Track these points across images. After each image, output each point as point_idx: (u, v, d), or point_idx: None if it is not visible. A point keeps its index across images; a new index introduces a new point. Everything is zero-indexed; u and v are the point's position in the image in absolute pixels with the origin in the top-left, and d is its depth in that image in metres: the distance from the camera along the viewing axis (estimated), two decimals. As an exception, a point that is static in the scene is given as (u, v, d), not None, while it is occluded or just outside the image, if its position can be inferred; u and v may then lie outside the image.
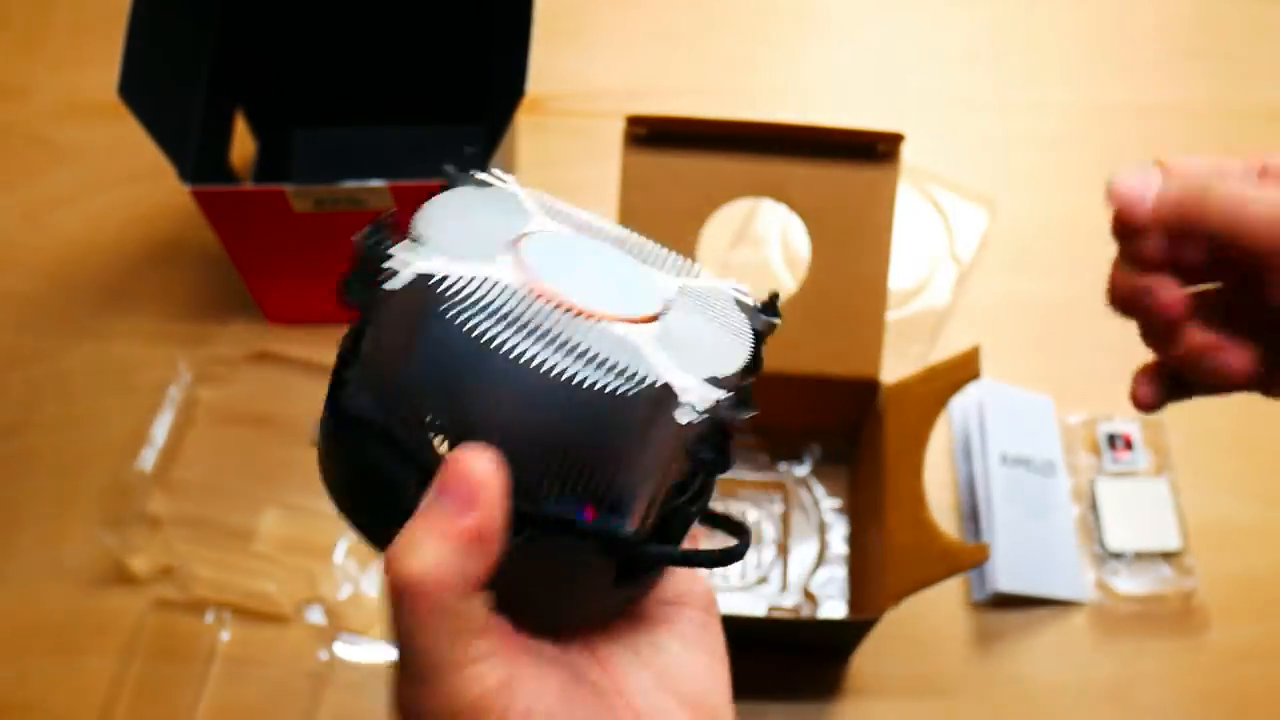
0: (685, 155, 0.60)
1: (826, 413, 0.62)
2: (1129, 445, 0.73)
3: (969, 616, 0.70)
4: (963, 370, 0.57)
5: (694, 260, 0.34)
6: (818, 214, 0.60)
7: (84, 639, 0.69)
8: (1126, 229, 0.43)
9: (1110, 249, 0.84)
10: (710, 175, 0.60)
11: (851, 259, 0.61)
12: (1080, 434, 0.74)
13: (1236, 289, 0.41)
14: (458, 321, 0.29)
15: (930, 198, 0.82)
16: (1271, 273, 0.39)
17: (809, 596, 0.68)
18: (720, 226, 0.79)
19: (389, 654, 0.67)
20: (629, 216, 0.61)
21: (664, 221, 0.61)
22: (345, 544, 0.68)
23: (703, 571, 0.36)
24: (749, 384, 0.32)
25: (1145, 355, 0.78)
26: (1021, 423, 0.73)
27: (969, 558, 0.54)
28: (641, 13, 0.92)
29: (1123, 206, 0.43)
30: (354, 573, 0.70)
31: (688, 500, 0.33)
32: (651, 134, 0.60)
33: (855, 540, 0.69)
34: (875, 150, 0.60)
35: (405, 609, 0.29)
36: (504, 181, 0.35)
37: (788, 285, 0.78)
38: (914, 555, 0.56)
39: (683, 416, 0.29)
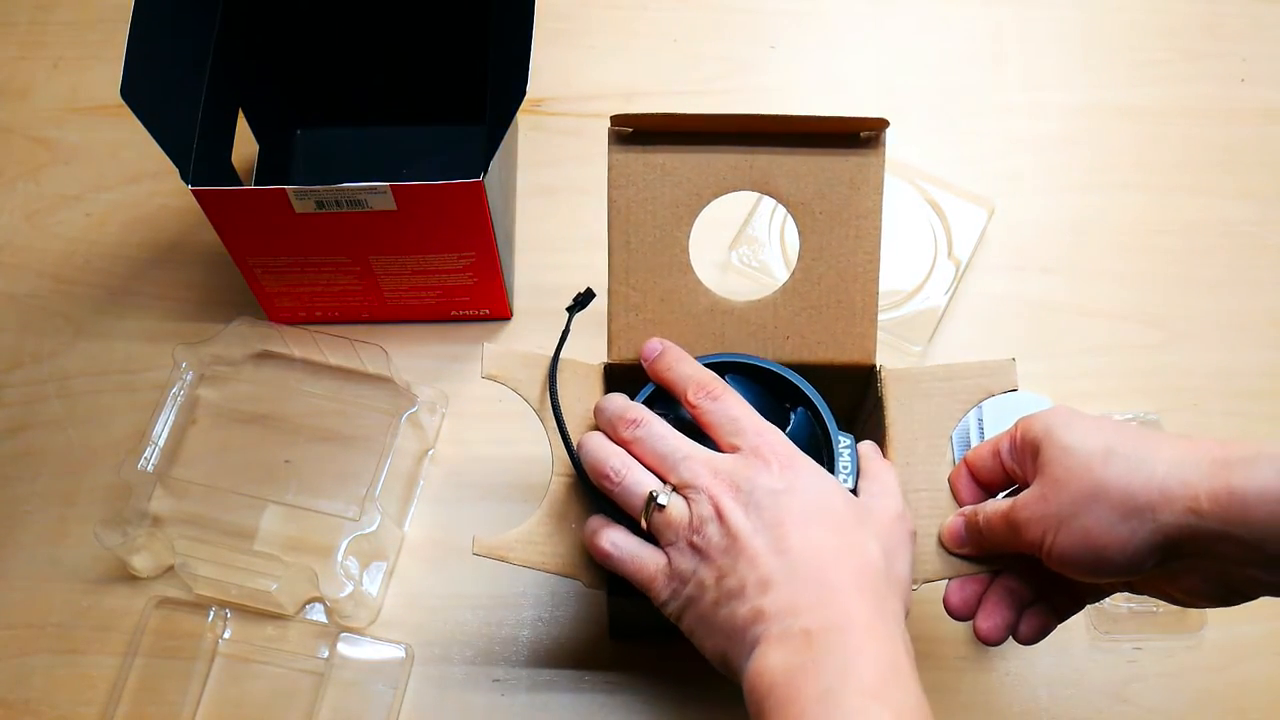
0: (671, 152, 0.61)
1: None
2: (1127, 445, 0.73)
3: (967, 615, 0.70)
4: (997, 379, 0.59)
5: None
6: (805, 203, 0.61)
7: (85, 637, 0.69)
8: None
9: (1107, 249, 0.84)
10: (697, 171, 0.61)
11: (841, 246, 0.61)
12: (1079, 433, 0.74)
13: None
14: None
15: (929, 198, 0.82)
16: (1045, 552, 0.52)
17: None
18: (720, 228, 0.79)
19: (395, 650, 0.68)
20: (618, 215, 0.61)
21: (653, 219, 0.61)
22: (346, 543, 0.69)
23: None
24: None
25: (1142, 357, 0.79)
26: (1020, 422, 0.73)
27: (965, 563, 0.56)
28: (641, 13, 0.92)
29: (954, 540, 0.58)
30: (354, 571, 0.70)
31: None
32: (637, 132, 0.60)
33: None
34: (859, 137, 0.60)
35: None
36: None
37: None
38: (936, 542, 0.57)
39: None
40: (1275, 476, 0.46)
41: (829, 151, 0.60)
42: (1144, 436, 0.50)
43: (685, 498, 0.53)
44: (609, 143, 0.60)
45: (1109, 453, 0.49)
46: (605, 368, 0.62)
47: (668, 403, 0.58)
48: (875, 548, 0.52)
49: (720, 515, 0.51)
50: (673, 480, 0.53)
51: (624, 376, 0.61)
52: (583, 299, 0.63)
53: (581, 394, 0.61)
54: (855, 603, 0.49)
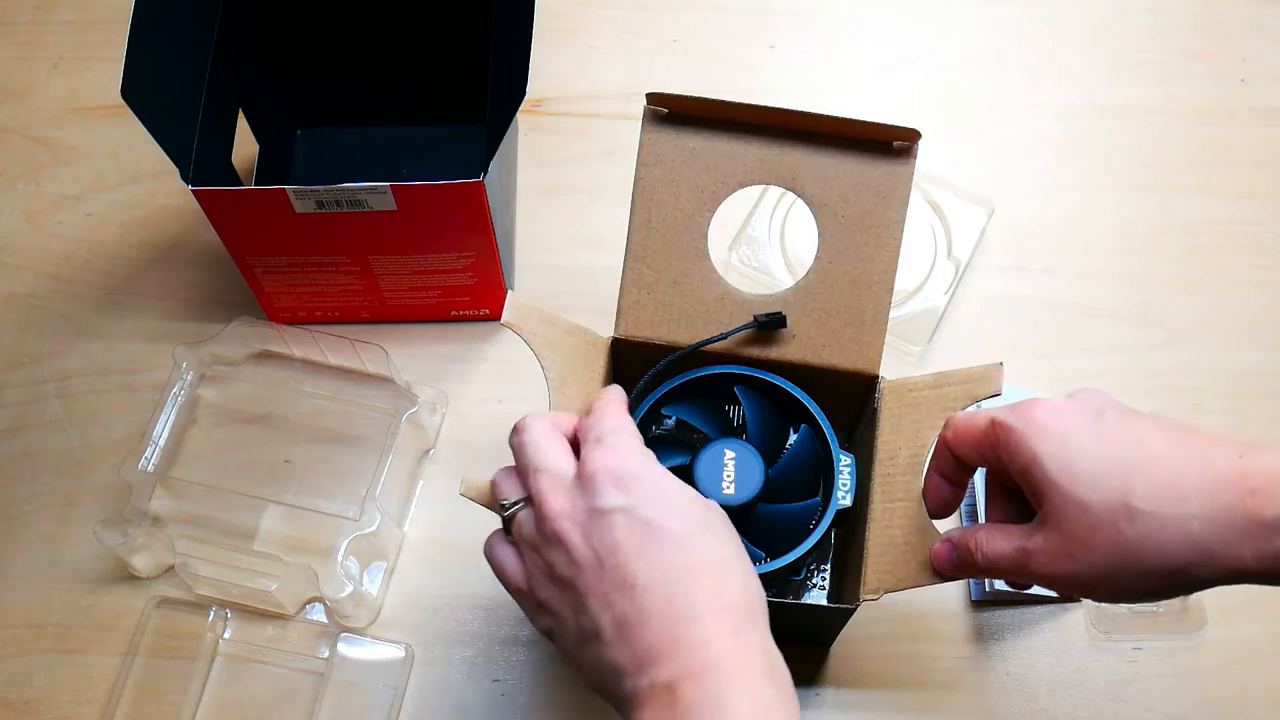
0: (702, 137, 0.61)
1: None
2: (1127, 445, 0.73)
3: (967, 615, 0.70)
4: (981, 384, 0.58)
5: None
6: (829, 205, 0.61)
7: (86, 637, 0.69)
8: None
9: (1107, 249, 0.84)
10: (726, 158, 0.61)
11: (859, 253, 0.61)
12: (1079, 433, 0.74)
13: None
14: None
15: (928, 198, 0.82)
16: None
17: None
18: (720, 228, 0.79)
19: (395, 650, 0.68)
20: (642, 193, 0.61)
21: (676, 201, 0.61)
22: (346, 543, 0.69)
23: None
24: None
25: (1142, 357, 0.79)
26: (1020, 422, 0.73)
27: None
28: (641, 13, 0.92)
29: (946, 565, 0.55)
30: (354, 571, 0.70)
31: None
32: (672, 114, 0.60)
33: (842, 533, 0.69)
34: (891, 146, 0.60)
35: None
36: None
37: (786, 287, 0.78)
38: (904, 553, 0.56)
39: None
40: None
41: (860, 157, 0.60)
42: (1158, 476, 0.46)
43: (535, 514, 0.50)
44: (643, 120, 0.60)
45: (1131, 511, 0.46)
46: (612, 341, 0.63)
47: (691, 402, 0.59)
48: (728, 550, 0.49)
49: (559, 540, 0.48)
50: (530, 493, 0.51)
51: (629, 352, 0.62)
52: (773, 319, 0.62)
53: (588, 363, 0.61)
54: (714, 634, 0.46)
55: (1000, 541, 0.51)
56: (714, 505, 0.51)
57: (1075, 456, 0.47)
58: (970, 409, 0.55)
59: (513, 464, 0.53)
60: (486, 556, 0.54)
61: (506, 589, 0.53)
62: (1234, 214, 0.83)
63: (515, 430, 0.52)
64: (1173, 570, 0.46)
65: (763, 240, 0.80)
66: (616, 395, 0.55)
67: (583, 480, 0.49)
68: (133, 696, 0.67)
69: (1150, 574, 0.46)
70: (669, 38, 0.91)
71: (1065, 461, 0.47)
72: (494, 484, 0.53)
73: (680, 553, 0.47)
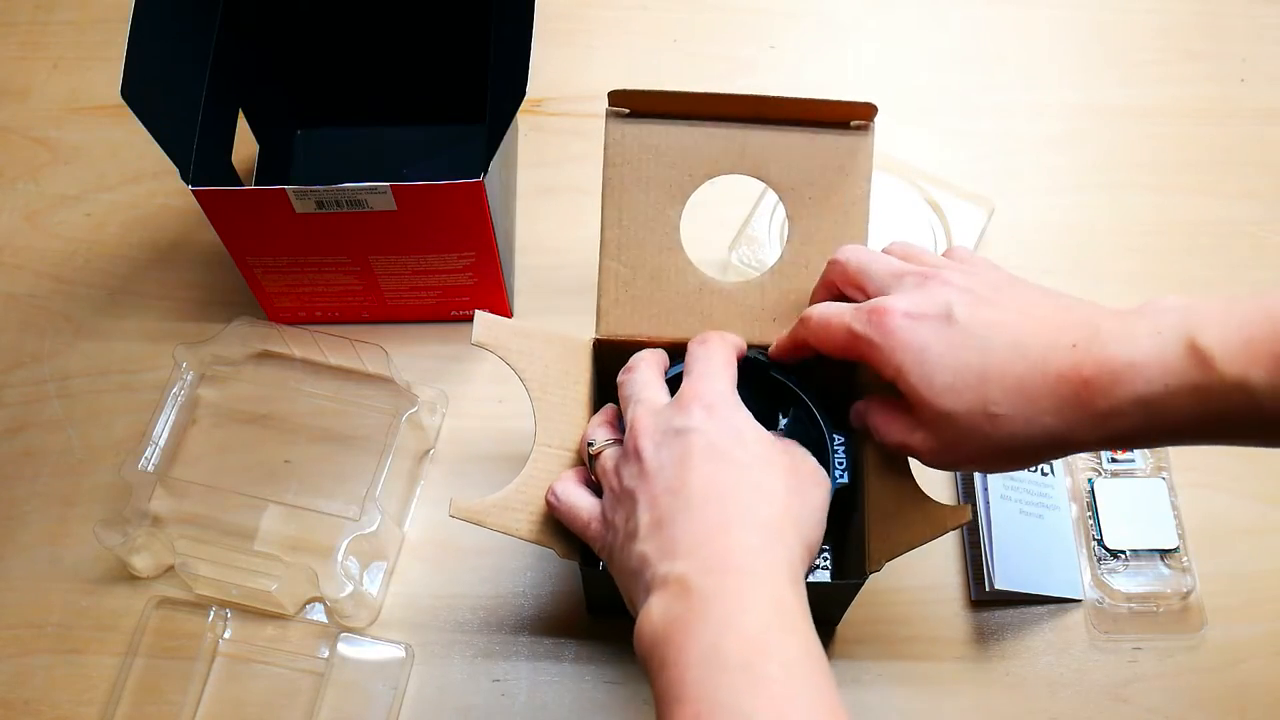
0: (666, 133, 0.61)
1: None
2: (1127, 445, 0.73)
3: (966, 615, 0.70)
4: None
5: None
6: (795, 188, 0.62)
7: (85, 637, 0.69)
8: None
9: (1107, 249, 0.84)
10: (691, 152, 0.61)
11: (829, 232, 0.62)
12: (1078, 433, 0.74)
13: None
14: None
15: (928, 198, 0.82)
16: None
17: None
18: (720, 227, 0.79)
19: (395, 650, 0.68)
20: (612, 193, 0.62)
21: (646, 198, 0.62)
22: (346, 543, 0.69)
23: None
24: None
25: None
26: (1020, 422, 0.73)
27: (951, 518, 0.55)
28: (641, 13, 0.92)
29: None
30: (354, 571, 0.70)
31: None
32: (635, 112, 0.61)
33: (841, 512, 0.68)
34: (849, 124, 0.61)
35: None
36: None
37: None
38: (897, 518, 0.57)
39: None
40: (1141, 417, 0.47)
41: (819, 137, 0.61)
42: (1009, 383, 0.49)
43: (626, 436, 0.55)
44: (606, 120, 0.61)
45: (991, 417, 0.49)
46: (595, 343, 0.63)
47: None
48: (778, 483, 0.52)
49: (637, 454, 0.52)
50: (626, 422, 0.55)
51: (613, 352, 0.62)
52: None
53: (570, 368, 0.61)
54: (740, 538, 0.49)
55: (892, 431, 0.54)
56: (792, 449, 0.55)
57: (934, 371, 0.50)
58: (824, 306, 0.56)
59: (603, 411, 0.59)
60: (553, 497, 0.56)
61: (573, 525, 0.56)
62: (1234, 214, 0.83)
63: (626, 368, 0.58)
64: (1036, 453, 0.50)
65: (763, 240, 0.80)
66: (726, 342, 0.58)
67: (682, 402, 0.54)
68: (133, 696, 0.67)
69: (1017, 457, 0.51)
70: (669, 38, 0.91)
71: (926, 377, 0.50)
72: (587, 434, 0.58)
73: (732, 472, 0.51)
